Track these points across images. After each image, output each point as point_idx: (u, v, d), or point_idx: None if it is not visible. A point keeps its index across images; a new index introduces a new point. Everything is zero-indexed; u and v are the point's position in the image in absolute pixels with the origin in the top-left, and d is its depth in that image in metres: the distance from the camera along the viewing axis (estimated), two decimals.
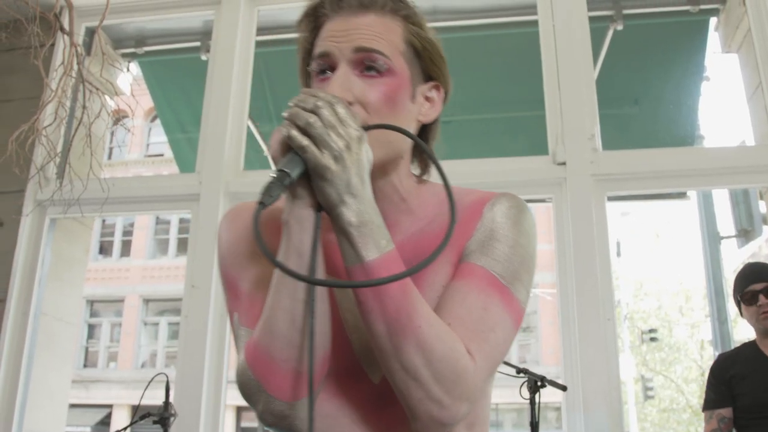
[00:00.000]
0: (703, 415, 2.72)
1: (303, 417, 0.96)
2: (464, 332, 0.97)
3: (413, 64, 1.07)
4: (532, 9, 3.46)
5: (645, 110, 4.26)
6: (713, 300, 5.60)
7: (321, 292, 0.96)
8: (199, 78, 3.69)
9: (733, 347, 5.36)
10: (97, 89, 2.94)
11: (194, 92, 4.02)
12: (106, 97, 3.56)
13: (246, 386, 0.96)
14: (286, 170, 0.89)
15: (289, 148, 0.91)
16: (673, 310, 18.17)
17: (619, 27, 3.75)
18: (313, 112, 0.91)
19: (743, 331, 14.72)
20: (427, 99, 1.11)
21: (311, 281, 0.92)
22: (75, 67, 2.97)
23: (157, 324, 20.59)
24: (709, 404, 2.71)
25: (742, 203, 5.00)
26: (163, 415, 2.28)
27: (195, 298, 3.15)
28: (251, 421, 19.53)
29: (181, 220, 20.79)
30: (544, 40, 3.33)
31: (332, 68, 1.03)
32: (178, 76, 4.43)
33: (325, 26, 1.06)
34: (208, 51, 3.86)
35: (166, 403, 2.31)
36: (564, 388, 2.44)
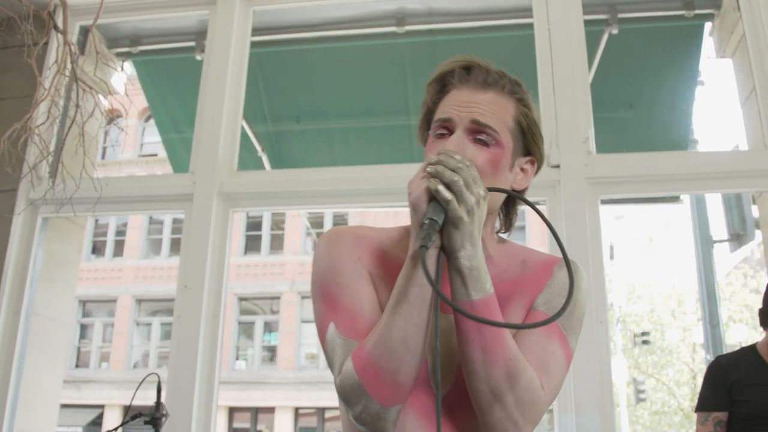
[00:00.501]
0: (695, 416, 2.68)
1: (393, 420, 1.14)
2: (537, 368, 1.17)
3: (517, 139, 1.27)
4: (527, 12, 3.46)
5: (639, 114, 4.27)
6: (705, 303, 5.61)
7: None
8: (193, 78, 3.68)
9: (724, 350, 5.36)
10: (91, 88, 2.93)
11: (189, 92, 4.01)
12: (100, 96, 3.54)
13: (351, 388, 1.13)
14: (435, 219, 1.08)
15: (432, 197, 1.09)
16: (666, 313, 18.20)
17: (614, 31, 3.76)
18: (455, 171, 1.10)
19: (734, 335, 14.76)
20: (522, 170, 1.30)
21: (463, 313, 1.08)
22: (68, 65, 2.96)
23: (149, 324, 20.54)
24: (707, 406, 2.60)
25: (734, 208, 5.00)
26: (154, 415, 2.26)
27: (187, 299, 3.14)
28: (243, 422, 19.50)
29: (175, 221, 20.75)
30: (539, 42, 3.33)
31: (450, 131, 1.23)
32: (172, 75, 4.42)
33: (451, 93, 1.26)
34: (202, 51, 3.85)
35: (158, 403, 2.29)
36: None
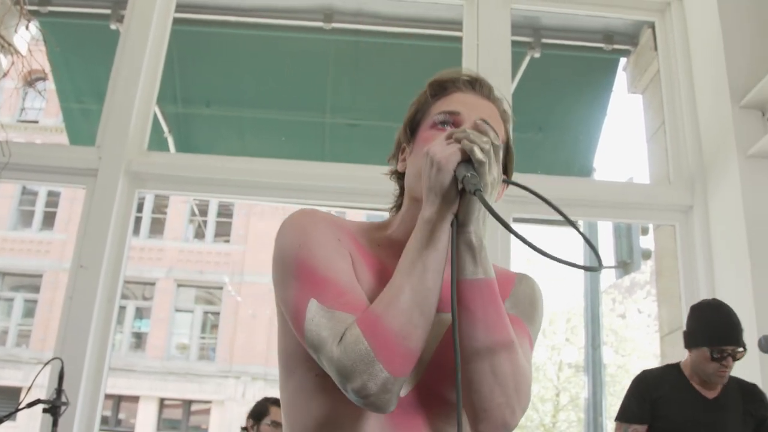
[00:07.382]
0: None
1: (398, 393, 1.06)
2: None
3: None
4: (457, 25, 3.49)
5: (548, 137, 4.38)
6: (589, 326, 5.82)
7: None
8: (105, 47, 3.51)
9: (602, 372, 5.56)
10: (10, 45, 2.71)
11: (98, 62, 3.82)
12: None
13: (358, 355, 1.03)
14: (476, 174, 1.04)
15: (463, 160, 1.05)
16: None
17: (537, 54, 3.86)
18: (487, 141, 1.08)
19: (607, 356, 15.46)
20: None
21: (517, 235, 1.01)
22: None
23: (11, 300, 19.37)
24: (628, 417, 2.63)
25: (624, 237, 5.23)
26: (55, 403, 2.08)
27: (83, 279, 2.98)
28: (105, 409, 18.76)
29: (50, 193, 19.70)
30: (466, 57, 3.37)
31: (455, 124, 1.21)
32: (81, 42, 4.18)
33: (454, 94, 1.25)
34: (118, 20, 3.68)
35: (59, 390, 2.11)
36: None
